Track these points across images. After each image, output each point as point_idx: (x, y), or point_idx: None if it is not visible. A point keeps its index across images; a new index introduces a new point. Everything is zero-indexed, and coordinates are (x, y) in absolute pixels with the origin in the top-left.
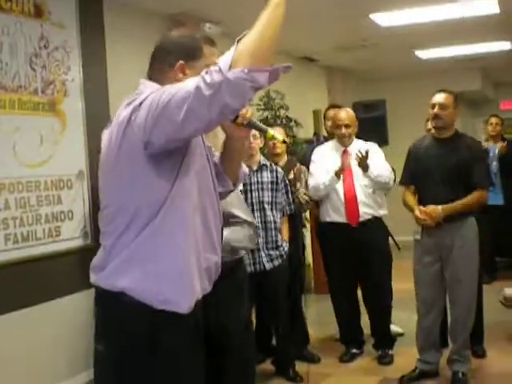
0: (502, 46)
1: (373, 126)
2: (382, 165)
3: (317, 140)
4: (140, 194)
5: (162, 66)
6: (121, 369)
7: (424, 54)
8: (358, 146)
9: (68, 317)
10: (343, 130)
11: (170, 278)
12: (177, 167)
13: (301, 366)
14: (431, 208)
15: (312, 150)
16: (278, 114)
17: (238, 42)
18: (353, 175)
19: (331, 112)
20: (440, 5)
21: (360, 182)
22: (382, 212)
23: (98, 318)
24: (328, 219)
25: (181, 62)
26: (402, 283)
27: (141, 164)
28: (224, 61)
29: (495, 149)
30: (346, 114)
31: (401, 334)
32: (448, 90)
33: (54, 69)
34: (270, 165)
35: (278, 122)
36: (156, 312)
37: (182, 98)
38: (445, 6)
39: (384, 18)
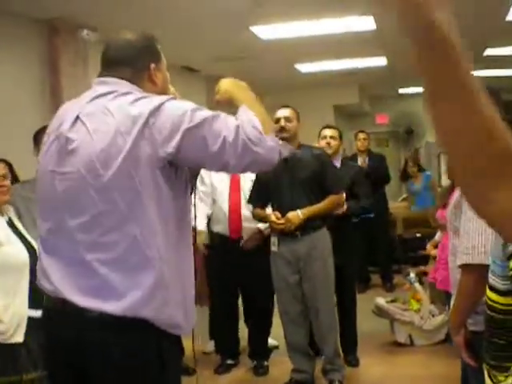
0: (378, 61)
1: None
2: None
3: None
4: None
5: (133, 67)
6: None
7: (304, 67)
8: None
9: None
10: None
11: (182, 302)
12: (183, 186)
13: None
14: (291, 214)
15: None
16: None
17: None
18: (240, 189)
19: None
20: (319, 20)
21: (247, 194)
22: (261, 224)
23: (102, 345)
24: (214, 229)
25: (152, 64)
26: None
27: (154, 170)
28: (253, 121)
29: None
30: None
31: (276, 347)
32: (290, 106)
33: None
34: None
35: None
36: (164, 336)
37: (220, 130)
38: (324, 21)
39: (264, 31)
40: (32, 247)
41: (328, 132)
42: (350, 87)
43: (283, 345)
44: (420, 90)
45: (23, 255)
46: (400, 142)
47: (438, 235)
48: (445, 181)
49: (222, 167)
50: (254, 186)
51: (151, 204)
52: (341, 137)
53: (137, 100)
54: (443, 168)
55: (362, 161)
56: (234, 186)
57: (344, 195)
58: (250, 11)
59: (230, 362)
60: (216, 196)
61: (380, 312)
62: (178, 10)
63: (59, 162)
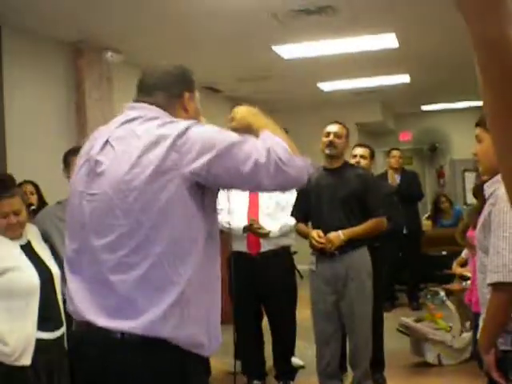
0: (401, 79)
1: None
2: (288, 202)
3: None
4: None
5: (167, 94)
6: None
7: (326, 86)
8: None
9: None
10: None
11: (205, 321)
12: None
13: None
14: (333, 234)
15: None
16: None
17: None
18: (258, 203)
19: None
20: (342, 38)
21: (264, 211)
22: (288, 241)
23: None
24: (233, 248)
25: (186, 93)
26: (302, 312)
27: (182, 192)
28: (281, 143)
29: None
30: None
31: (302, 367)
32: (341, 123)
33: None
34: None
35: None
36: (188, 356)
37: (250, 153)
38: (346, 39)
39: (287, 50)
40: (48, 270)
41: (359, 151)
42: (373, 105)
43: (309, 365)
44: (443, 106)
45: (33, 280)
46: (424, 159)
47: (465, 253)
48: (470, 199)
49: (255, 187)
50: (296, 201)
51: (178, 224)
52: (372, 155)
53: (164, 124)
54: (468, 185)
55: (392, 179)
56: (253, 202)
57: (385, 219)
58: (272, 31)
59: (256, 382)
60: (233, 213)
61: (408, 331)
62: (200, 31)
63: (88, 184)
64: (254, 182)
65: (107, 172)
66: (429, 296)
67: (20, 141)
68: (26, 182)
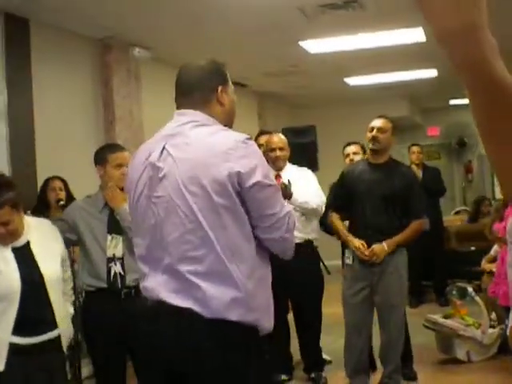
0: (428, 73)
1: (303, 152)
2: (312, 191)
3: None
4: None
5: (203, 92)
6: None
7: (353, 80)
8: (290, 170)
9: None
10: (278, 153)
11: (267, 307)
12: None
13: None
14: (377, 247)
15: None
16: None
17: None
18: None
19: (262, 138)
20: (368, 33)
21: (290, 205)
22: (312, 236)
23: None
24: None
25: (220, 87)
26: (327, 307)
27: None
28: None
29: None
30: (278, 138)
31: (329, 362)
32: (387, 117)
33: None
34: None
35: None
36: (252, 336)
37: (276, 202)
38: (373, 34)
39: (313, 45)
40: (41, 272)
41: (349, 149)
42: (400, 100)
43: (336, 360)
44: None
45: (13, 285)
46: (452, 154)
47: (494, 250)
48: (498, 194)
49: (255, 226)
50: (334, 191)
51: (232, 224)
52: (364, 150)
53: (216, 132)
54: (496, 180)
55: (415, 172)
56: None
57: (427, 221)
58: (299, 26)
59: (284, 377)
60: None
61: (436, 327)
62: (227, 26)
63: (152, 188)
64: (260, 222)
65: (168, 177)
66: (454, 292)
67: (48, 137)
68: (55, 177)
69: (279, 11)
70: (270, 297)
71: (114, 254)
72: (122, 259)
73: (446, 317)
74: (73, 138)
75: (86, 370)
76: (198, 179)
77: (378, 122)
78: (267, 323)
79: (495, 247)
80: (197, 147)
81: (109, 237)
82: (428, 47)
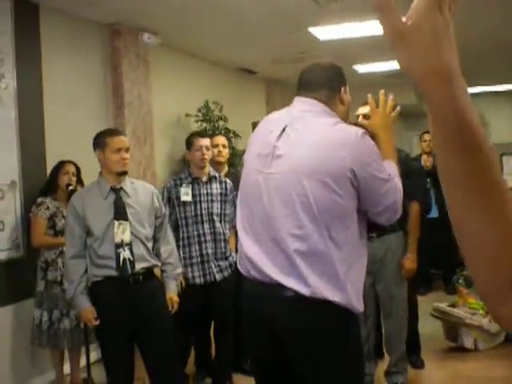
0: None
1: None
2: None
3: None
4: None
5: (329, 90)
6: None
7: (361, 68)
8: None
9: None
10: None
11: (359, 289)
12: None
13: (239, 379)
14: (408, 263)
15: None
16: (216, 125)
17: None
18: None
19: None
20: (377, 20)
21: None
22: None
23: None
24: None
25: (342, 87)
26: None
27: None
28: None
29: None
30: None
31: None
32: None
33: None
34: (219, 176)
35: (217, 133)
36: (348, 314)
37: (391, 195)
38: None
39: (323, 32)
40: None
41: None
42: (408, 88)
43: None
44: (480, 89)
45: None
46: None
47: None
48: (509, 182)
49: (372, 212)
50: None
51: (338, 209)
52: None
53: (336, 124)
54: (506, 169)
55: (426, 160)
56: None
57: (417, 204)
58: (308, 12)
59: None
60: None
61: (443, 316)
62: (236, 12)
63: (266, 164)
64: (375, 207)
65: (284, 156)
66: (461, 280)
67: (57, 122)
68: (69, 161)
69: None
70: (362, 280)
71: (122, 240)
72: (130, 245)
73: (452, 305)
74: (82, 122)
75: (95, 354)
76: (314, 164)
77: (364, 109)
78: (359, 305)
79: None
80: (316, 135)
81: (116, 223)
82: None
